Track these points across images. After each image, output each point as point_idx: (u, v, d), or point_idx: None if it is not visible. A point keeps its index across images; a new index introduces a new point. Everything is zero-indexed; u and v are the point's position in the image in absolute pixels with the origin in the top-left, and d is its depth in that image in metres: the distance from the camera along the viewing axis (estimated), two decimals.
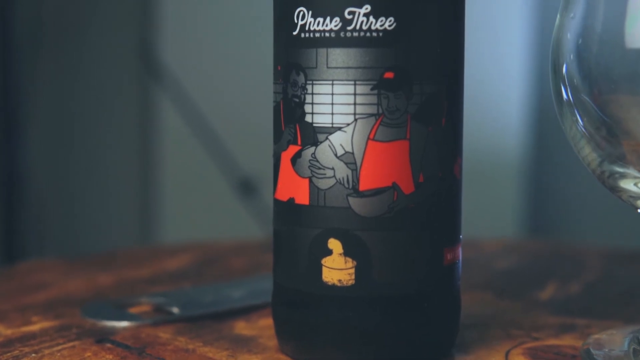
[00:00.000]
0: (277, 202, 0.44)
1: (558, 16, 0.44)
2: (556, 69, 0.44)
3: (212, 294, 0.55)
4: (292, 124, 0.43)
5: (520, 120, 1.74)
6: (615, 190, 0.43)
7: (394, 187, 0.42)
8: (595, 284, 0.61)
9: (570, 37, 0.43)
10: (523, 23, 1.72)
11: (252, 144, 1.28)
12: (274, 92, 0.44)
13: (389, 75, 0.41)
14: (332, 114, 0.42)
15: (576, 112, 0.43)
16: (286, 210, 0.43)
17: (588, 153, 0.44)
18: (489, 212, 1.62)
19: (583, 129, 0.43)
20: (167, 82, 1.43)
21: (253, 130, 1.30)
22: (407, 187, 0.42)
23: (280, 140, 0.44)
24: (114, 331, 0.48)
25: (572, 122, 0.44)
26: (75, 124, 1.64)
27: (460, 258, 0.45)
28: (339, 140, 0.42)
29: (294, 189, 0.43)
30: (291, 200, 0.43)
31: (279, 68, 0.44)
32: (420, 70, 0.42)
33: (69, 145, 1.65)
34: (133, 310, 0.52)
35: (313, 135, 0.42)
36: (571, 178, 1.82)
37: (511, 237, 1.56)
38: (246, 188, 1.36)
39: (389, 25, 0.41)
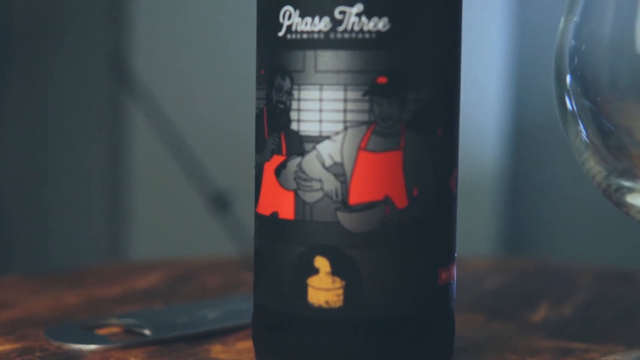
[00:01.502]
0: (259, 216, 0.41)
1: (562, 20, 0.41)
2: (560, 76, 0.41)
3: (187, 314, 0.51)
4: (277, 132, 0.40)
5: (497, 138, 1.71)
6: (622, 205, 0.40)
7: (387, 201, 0.39)
8: (589, 305, 0.58)
9: (574, 42, 0.40)
10: (501, 38, 1.70)
11: (226, 157, 1.24)
12: (257, 98, 0.41)
13: (382, 80, 0.38)
14: (320, 121, 0.38)
15: (580, 122, 0.41)
16: (269, 225, 0.40)
17: (593, 165, 0.41)
18: (466, 231, 1.59)
19: (588, 140, 0.40)
20: (138, 93, 1.39)
21: (227, 142, 1.27)
22: (401, 201, 0.39)
23: (263, 150, 0.40)
24: (81, 355, 0.45)
25: (576, 132, 0.41)
26: (43, 136, 1.60)
27: (455, 278, 0.42)
28: (328, 150, 0.38)
29: (278, 202, 0.40)
30: (274, 214, 0.40)
31: (263, 72, 0.40)
32: (415, 75, 0.39)
33: (36, 158, 1.61)
34: (101, 332, 0.49)
35: (299, 145, 0.39)
36: (548, 197, 1.80)
37: (499, 255, 1.53)
38: (220, 202, 1.33)
39: (383, 26, 0.38)
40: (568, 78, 0.40)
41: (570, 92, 0.40)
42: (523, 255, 1.73)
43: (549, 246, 1.80)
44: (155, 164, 1.41)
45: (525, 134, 1.80)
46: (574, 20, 0.41)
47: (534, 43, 1.76)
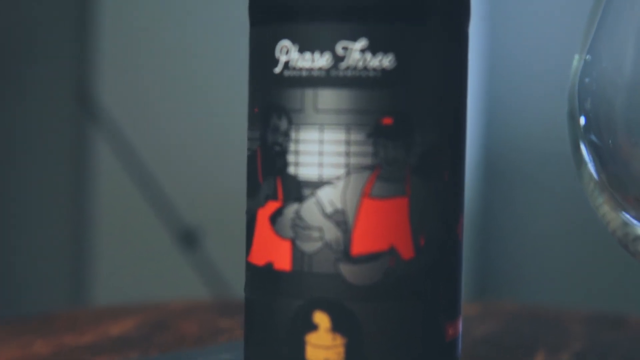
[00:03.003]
0: (251, 266, 0.38)
1: (576, 57, 0.39)
2: (573, 116, 0.38)
3: None
4: (272, 177, 0.37)
5: (468, 178, 1.70)
6: None
7: (392, 251, 0.36)
8: (586, 354, 0.55)
9: (589, 80, 0.38)
10: (471, 75, 1.69)
11: (194, 191, 1.21)
12: (249, 139, 0.38)
13: (387, 121, 0.35)
14: (320, 165, 0.36)
15: (595, 166, 0.38)
16: (263, 276, 0.37)
17: (607, 212, 0.38)
18: None
19: (602, 185, 0.38)
20: (104, 125, 1.36)
21: (195, 175, 1.24)
22: (407, 251, 0.36)
23: (256, 195, 0.38)
24: None
25: (589, 176, 0.38)
26: (4, 169, 1.56)
27: (461, 332, 0.39)
28: (329, 196, 0.36)
29: (273, 252, 0.37)
30: (269, 265, 0.37)
31: (256, 110, 0.37)
32: (422, 115, 0.36)
33: None
34: None
35: (297, 190, 0.36)
36: (518, 240, 1.78)
37: (487, 299, 1.51)
38: (188, 239, 1.29)
39: (388, 63, 0.35)
40: (582, 120, 0.38)
41: (585, 134, 0.38)
42: (496, 295, 1.70)
43: (519, 285, 1.78)
44: (120, 199, 1.37)
45: (495, 173, 1.79)
46: (586, 57, 0.38)
47: (504, 79, 1.75)
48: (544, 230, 1.70)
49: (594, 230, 1.62)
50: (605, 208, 0.38)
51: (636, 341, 0.59)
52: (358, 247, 0.36)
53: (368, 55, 0.35)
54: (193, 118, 1.30)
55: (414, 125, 0.36)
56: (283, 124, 0.36)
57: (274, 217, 0.37)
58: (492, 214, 1.78)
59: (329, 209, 0.36)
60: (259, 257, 0.37)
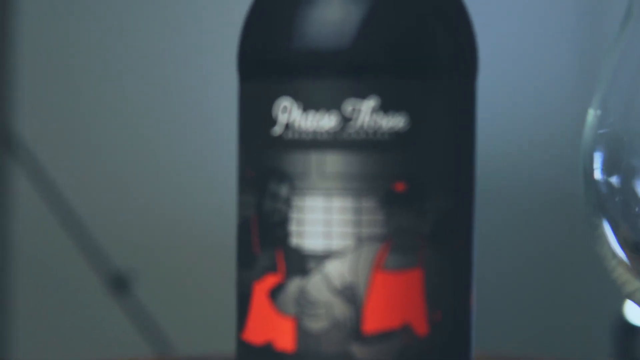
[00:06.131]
0: (245, 345, 0.35)
1: (590, 111, 0.36)
2: (587, 178, 0.36)
3: None
4: (271, 247, 0.33)
5: None
6: None
7: (406, 328, 0.33)
8: None
9: (599, 138, 0.36)
10: None
11: (123, 231, 1.16)
12: (241, 204, 0.35)
13: (400, 186, 0.33)
14: (327, 235, 0.33)
15: (611, 228, 0.36)
16: (261, 357, 0.34)
17: (623, 274, 0.36)
18: None
19: (618, 250, 0.36)
20: (24, 160, 1.30)
21: (124, 214, 1.19)
22: (421, 327, 0.33)
23: (251, 267, 0.34)
24: None
25: (603, 239, 0.36)
26: None
27: None
28: (337, 270, 0.32)
29: (274, 330, 0.33)
30: (269, 345, 0.34)
31: (251, 174, 0.34)
32: (436, 179, 0.33)
33: None
34: None
35: (301, 263, 0.33)
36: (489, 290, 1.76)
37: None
38: (118, 284, 1.24)
39: (401, 124, 0.32)
40: (596, 175, 0.36)
41: (601, 196, 0.36)
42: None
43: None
44: (40, 240, 1.32)
45: None
46: (597, 112, 0.36)
47: None
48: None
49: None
50: (620, 270, 0.36)
51: None
52: (370, 325, 0.33)
53: (379, 116, 0.32)
54: (121, 152, 1.26)
55: (428, 190, 0.33)
56: (284, 190, 0.33)
57: (275, 292, 0.33)
58: None
59: (337, 283, 0.32)
60: (255, 336, 0.34)
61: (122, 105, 1.29)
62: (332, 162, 0.32)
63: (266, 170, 0.33)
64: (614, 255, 0.36)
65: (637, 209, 0.35)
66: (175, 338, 1.12)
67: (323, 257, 0.32)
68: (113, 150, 1.33)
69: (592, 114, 0.36)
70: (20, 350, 1.28)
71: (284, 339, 0.33)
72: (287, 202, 0.33)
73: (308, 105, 0.33)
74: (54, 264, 1.31)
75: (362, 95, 0.32)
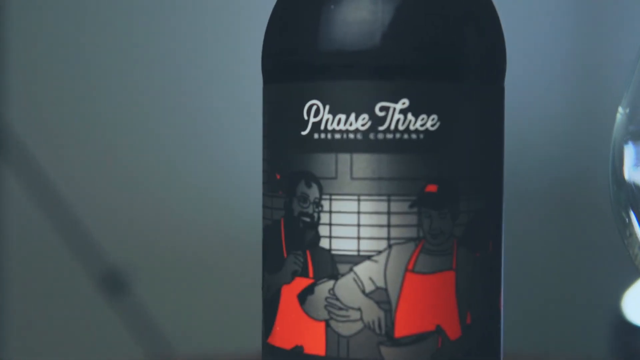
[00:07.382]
0: (273, 349, 0.34)
1: (619, 109, 0.36)
2: (617, 175, 0.36)
3: None
4: (300, 250, 0.33)
5: None
6: None
7: (438, 331, 0.32)
8: None
9: (629, 137, 0.35)
10: None
11: (118, 229, 1.15)
12: (267, 207, 0.34)
13: (431, 188, 0.32)
14: (358, 238, 0.32)
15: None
16: None
17: None
18: None
19: None
20: (13, 156, 1.29)
21: (119, 210, 1.18)
22: (454, 330, 0.33)
23: (279, 270, 0.34)
24: None
25: (634, 237, 0.36)
26: None
27: None
28: (368, 273, 0.32)
29: (304, 334, 0.33)
30: (298, 349, 0.33)
31: (279, 177, 0.34)
32: (468, 180, 0.33)
33: None
34: None
35: (331, 266, 0.32)
36: None
37: None
38: (113, 283, 1.23)
39: (432, 125, 0.32)
40: (626, 172, 0.35)
41: (631, 196, 0.35)
42: None
43: None
44: (30, 239, 1.30)
45: None
46: (625, 111, 0.36)
47: None
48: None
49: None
50: None
51: None
52: (402, 328, 0.32)
53: (410, 116, 0.32)
54: (114, 144, 1.25)
55: (460, 191, 0.32)
56: (313, 193, 0.33)
57: (304, 296, 0.33)
58: None
59: (368, 287, 0.32)
60: (284, 340, 0.34)
61: (116, 101, 1.28)
62: (362, 163, 0.32)
63: (294, 172, 0.33)
64: None
65: None
66: (175, 338, 1.11)
67: (354, 260, 0.32)
68: (108, 145, 1.32)
69: (621, 112, 0.36)
70: (15, 351, 1.27)
71: (314, 342, 0.33)
72: (317, 204, 0.32)
73: (338, 106, 0.32)
74: (48, 262, 1.30)
75: (393, 97, 0.32)
